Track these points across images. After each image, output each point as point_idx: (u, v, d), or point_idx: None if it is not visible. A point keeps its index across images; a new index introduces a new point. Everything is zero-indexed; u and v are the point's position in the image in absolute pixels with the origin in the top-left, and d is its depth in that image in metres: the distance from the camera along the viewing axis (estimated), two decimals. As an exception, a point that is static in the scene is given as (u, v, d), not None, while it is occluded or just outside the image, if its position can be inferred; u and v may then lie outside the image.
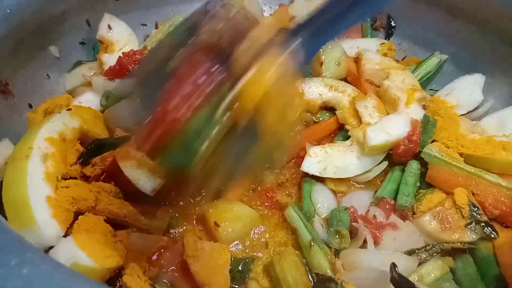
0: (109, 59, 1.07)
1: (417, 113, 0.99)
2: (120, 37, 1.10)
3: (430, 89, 1.20)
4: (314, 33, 0.59)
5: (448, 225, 0.82)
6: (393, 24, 1.31)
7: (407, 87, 1.05)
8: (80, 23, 1.16)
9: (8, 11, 0.92)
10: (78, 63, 1.15)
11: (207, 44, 0.54)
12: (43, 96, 1.06)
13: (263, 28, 0.55)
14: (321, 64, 1.12)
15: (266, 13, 1.41)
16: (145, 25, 1.30)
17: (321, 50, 1.12)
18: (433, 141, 0.97)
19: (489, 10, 1.10)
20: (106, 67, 1.04)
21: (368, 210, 0.91)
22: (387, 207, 0.90)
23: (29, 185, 0.70)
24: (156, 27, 1.30)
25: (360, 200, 0.95)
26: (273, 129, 0.54)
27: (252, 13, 0.56)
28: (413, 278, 0.77)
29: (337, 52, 1.13)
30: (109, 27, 1.09)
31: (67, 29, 1.12)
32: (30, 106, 1.02)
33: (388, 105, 1.06)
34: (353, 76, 1.15)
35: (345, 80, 1.15)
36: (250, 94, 0.51)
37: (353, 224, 0.85)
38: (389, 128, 0.95)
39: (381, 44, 1.24)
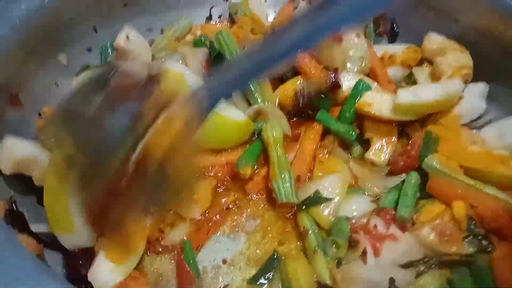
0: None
1: (455, 85, 1.05)
2: (135, 47, 1.14)
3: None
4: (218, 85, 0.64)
5: (446, 238, 0.85)
6: (397, 30, 1.32)
7: (457, 64, 1.11)
8: (87, 30, 1.18)
9: (17, 23, 0.93)
10: (86, 67, 1.17)
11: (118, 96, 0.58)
12: (52, 104, 1.08)
13: (168, 81, 0.61)
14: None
15: (270, 17, 1.42)
16: (151, 30, 1.31)
17: (349, 45, 1.15)
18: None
19: (490, 18, 1.11)
20: None
21: (370, 220, 0.93)
22: (388, 217, 0.92)
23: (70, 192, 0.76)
24: (162, 32, 1.32)
25: (360, 207, 0.98)
26: (180, 172, 0.61)
27: (156, 65, 0.61)
28: (412, 290, 0.80)
29: (363, 49, 1.16)
30: (127, 37, 1.13)
31: (74, 37, 1.14)
32: (40, 114, 1.04)
33: (435, 80, 1.14)
34: (374, 74, 1.18)
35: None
36: (158, 143, 0.56)
37: (354, 235, 0.87)
38: (419, 91, 1.01)
39: (406, 48, 1.24)
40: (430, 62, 1.21)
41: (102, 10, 1.18)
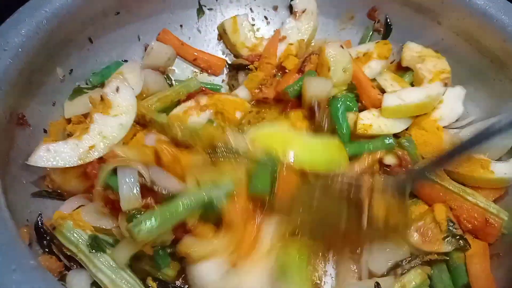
0: (100, 121, 1.02)
1: (436, 88, 1.15)
2: (122, 103, 1.04)
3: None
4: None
5: (428, 238, 0.96)
6: (391, 26, 1.36)
7: (437, 70, 1.19)
8: (83, 41, 1.19)
9: (19, 50, 0.95)
10: (79, 91, 1.15)
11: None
12: (56, 118, 1.12)
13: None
14: (329, 70, 1.19)
15: (267, 27, 1.44)
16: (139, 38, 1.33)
17: (330, 58, 1.19)
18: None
19: (471, 23, 1.17)
20: (95, 129, 1.00)
21: None
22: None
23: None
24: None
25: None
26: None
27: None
28: (397, 287, 0.91)
29: (345, 60, 1.20)
30: (117, 90, 1.05)
31: (71, 50, 1.15)
32: (45, 131, 1.08)
33: (416, 85, 1.23)
34: (358, 80, 1.24)
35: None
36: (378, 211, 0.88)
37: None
38: (404, 95, 1.13)
39: (376, 42, 1.32)
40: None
41: (96, 21, 1.19)
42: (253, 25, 1.42)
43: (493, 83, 1.18)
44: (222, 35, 1.40)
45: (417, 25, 1.31)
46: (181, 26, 1.39)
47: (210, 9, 1.42)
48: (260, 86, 1.23)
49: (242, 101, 1.20)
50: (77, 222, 0.93)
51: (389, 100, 1.13)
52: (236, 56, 1.40)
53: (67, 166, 0.96)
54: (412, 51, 1.26)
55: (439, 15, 1.25)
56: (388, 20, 1.36)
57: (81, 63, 1.20)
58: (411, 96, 1.14)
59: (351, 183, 0.90)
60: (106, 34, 1.24)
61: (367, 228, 0.87)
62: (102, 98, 1.03)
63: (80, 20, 1.13)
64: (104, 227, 0.95)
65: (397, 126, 1.14)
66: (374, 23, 1.37)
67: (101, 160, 0.99)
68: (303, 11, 1.33)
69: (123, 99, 1.04)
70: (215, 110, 1.16)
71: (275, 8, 1.43)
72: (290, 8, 1.40)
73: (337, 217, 0.89)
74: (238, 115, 1.16)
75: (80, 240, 0.91)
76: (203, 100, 1.18)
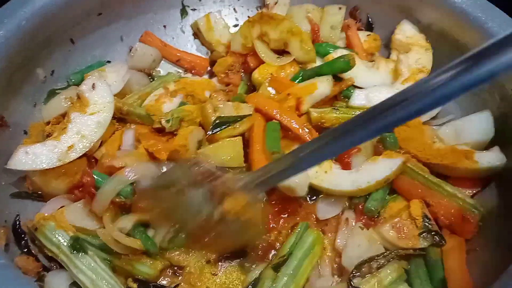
0: (78, 120, 1.02)
1: None
2: (99, 100, 1.04)
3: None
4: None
5: (404, 234, 0.97)
6: (371, 22, 1.37)
7: (416, 67, 1.18)
8: (65, 42, 1.20)
9: (-3, 51, 0.96)
10: (52, 93, 1.15)
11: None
12: (36, 120, 1.12)
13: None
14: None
15: (243, 17, 1.45)
16: (122, 39, 1.34)
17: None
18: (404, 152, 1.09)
19: (449, 22, 1.18)
20: (72, 128, 1.01)
21: (343, 212, 1.06)
22: (358, 210, 1.05)
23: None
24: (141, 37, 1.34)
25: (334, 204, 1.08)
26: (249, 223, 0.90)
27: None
28: (373, 282, 0.92)
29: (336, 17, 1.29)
30: (93, 87, 1.04)
31: (52, 51, 1.16)
32: (25, 132, 1.09)
33: (394, 76, 1.22)
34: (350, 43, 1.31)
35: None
36: (231, 208, 0.86)
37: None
38: (372, 95, 1.13)
39: (367, 35, 1.34)
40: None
41: (78, 22, 1.19)
42: (236, 25, 1.42)
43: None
44: (197, 34, 1.41)
45: (397, 23, 1.31)
46: (164, 26, 1.40)
47: (193, 10, 1.42)
48: (227, 71, 1.29)
49: (208, 81, 1.28)
50: (59, 223, 0.93)
51: (356, 99, 1.14)
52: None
53: (46, 168, 0.96)
54: (404, 34, 1.26)
55: (418, 13, 1.26)
56: (370, 19, 1.37)
57: (63, 64, 1.21)
58: (379, 98, 1.10)
59: (209, 172, 0.89)
60: (88, 34, 1.25)
61: (219, 223, 0.87)
62: (78, 96, 1.03)
63: (62, 21, 1.13)
64: (88, 227, 0.96)
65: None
66: (356, 22, 1.37)
67: (90, 165, 1.02)
68: (276, 3, 1.34)
69: (99, 96, 1.04)
70: (185, 93, 1.20)
71: (259, 8, 1.43)
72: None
73: (194, 208, 0.88)
74: (207, 94, 1.22)
75: (62, 241, 0.92)
76: (171, 86, 1.22)
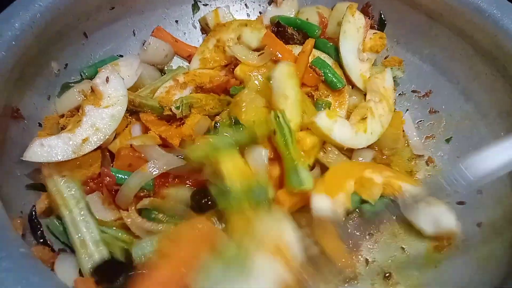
0: (92, 113, 1.02)
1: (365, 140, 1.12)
2: (112, 94, 1.04)
3: (413, 91, 1.32)
4: None
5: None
6: (385, 20, 1.36)
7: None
8: (78, 36, 1.20)
9: (13, 43, 0.96)
10: (66, 86, 1.16)
11: None
12: (50, 112, 1.13)
13: None
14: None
15: (254, 13, 1.45)
16: (134, 33, 1.34)
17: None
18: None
19: (464, 20, 1.18)
20: (87, 121, 1.01)
21: None
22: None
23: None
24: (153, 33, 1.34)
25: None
26: None
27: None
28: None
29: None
30: (107, 80, 1.04)
31: (66, 44, 1.16)
32: (40, 125, 1.09)
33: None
34: None
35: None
36: None
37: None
38: (335, 127, 1.07)
39: (373, 33, 1.32)
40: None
41: (91, 16, 1.20)
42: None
43: (486, 78, 1.18)
44: (205, 29, 1.41)
45: (410, 21, 1.31)
46: (176, 21, 1.40)
47: (205, 5, 1.43)
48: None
49: (216, 73, 1.27)
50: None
51: (320, 120, 1.06)
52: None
53: (61, 160, 0.97)
54: (382, 83, 1.23)
55: (432, 11, 1.25)
56: (383, 16, 1.36)
57: (76, 57, 1.21)
58: (339, 134, 1.07)
59: None
60: (101, 29, 1.26)
61: None
62: (92, 90, 1.04)
63: (75, 15, 1.14)
64: (104, 219, 0.98)
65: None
66: (368, 19, 1.37)
67: (104, 158, 1.04)
68: None
69: (113, 90, 1.04)
70: (194, 85, 1.21)
71: (270, 3, 1.43)
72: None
73: None
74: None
75: (69, 190, 0.96)
76: (181, 78, 1.22)
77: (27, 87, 1.07)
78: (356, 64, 1.24)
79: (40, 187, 1.01)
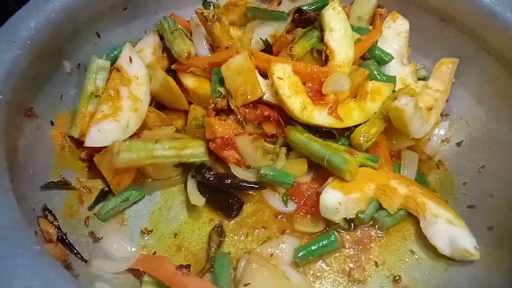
0: (127, 95, 1.08)
1: None
2: (138, 73, 1.10)
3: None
4: None
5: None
6: None
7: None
8: (91, 36, 1.21)
9: (28, 42, 0.97)
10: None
11: None
12: (63, 111, 1.14)
13: None
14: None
15: None
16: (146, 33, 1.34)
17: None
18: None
19: (476, 22, 1.17)
20: (125, 104, 1.08)
21: None
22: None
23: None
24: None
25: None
26: None
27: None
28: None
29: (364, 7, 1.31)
30: (130, 60, 1.09)
31: (79, 44, 1.17)
32: (52, 123, 1.10)
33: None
34: None
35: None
36: None
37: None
38: None
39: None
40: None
41: (104, 16, 1.21)
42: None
43: (498, 81, 1.18)
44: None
45: (423, 23, 1.30)
46: (188, 22, 1.40)
47: (216, 5, 1.42)
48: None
49: None
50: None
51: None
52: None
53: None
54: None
55: (444, 14, 1.25)
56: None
57: (89, 57, 1.21)
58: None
59: None
60: (114, 29, 1.27)
61: None
62: (118, 70, 1.09)
63: (88, 15, 1.15)
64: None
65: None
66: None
67: None
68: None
69: (137, 70, 1.11)
70: None
71: (279, 2, 1.43)
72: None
73: None
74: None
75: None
76: None
77: (40, 86, 1.08)
78: (395, 68, 1.25)
79: (52, 186, 1.02)
